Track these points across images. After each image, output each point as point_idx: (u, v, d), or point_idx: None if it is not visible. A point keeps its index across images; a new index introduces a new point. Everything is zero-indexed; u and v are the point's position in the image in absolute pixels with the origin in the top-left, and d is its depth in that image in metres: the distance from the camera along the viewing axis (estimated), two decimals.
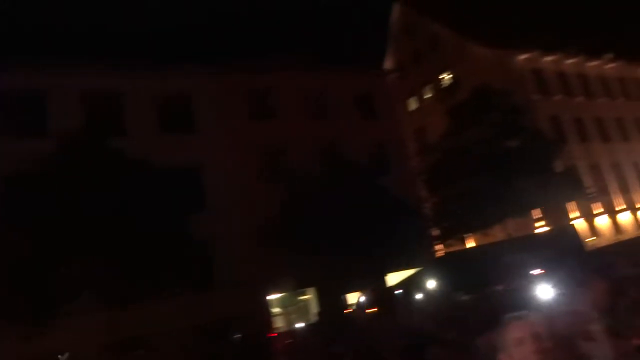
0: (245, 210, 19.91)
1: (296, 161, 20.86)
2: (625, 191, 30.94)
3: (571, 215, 26.61)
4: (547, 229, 23.12)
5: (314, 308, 20.86)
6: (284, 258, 16.50)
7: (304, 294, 21.74)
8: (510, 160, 18.91)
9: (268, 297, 20.28)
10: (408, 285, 13.26)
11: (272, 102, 23.47)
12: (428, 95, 33.74)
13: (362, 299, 14.75)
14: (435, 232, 21.85)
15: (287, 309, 21.60)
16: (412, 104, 35.08)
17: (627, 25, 33.92)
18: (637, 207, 30.97)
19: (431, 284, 11.74)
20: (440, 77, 32.52)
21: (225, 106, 21.94)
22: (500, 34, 28.95)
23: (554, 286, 4.73)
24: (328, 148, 22.49)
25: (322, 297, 20.50)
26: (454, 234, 21.86)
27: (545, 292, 4.58)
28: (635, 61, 35.18)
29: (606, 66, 33.90)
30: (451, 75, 31.76)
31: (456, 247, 22.67)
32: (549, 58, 30.75)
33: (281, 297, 21.19)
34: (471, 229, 22.26)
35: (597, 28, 32.31)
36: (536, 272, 9.58)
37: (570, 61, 31.83)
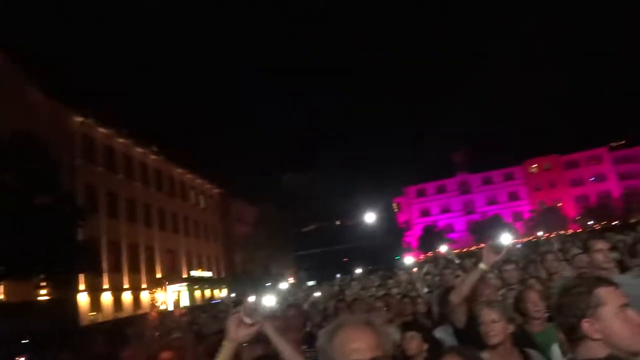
0: None
1: None
2: (135, 271, 33.35)
3: (80, 287, 26.29)
4: (48, 297, 21.79)
5: None
6: None
7: None
8: (31, 218, 17.29)
9: None
10: None
11: None
12: None
13: None
14: None
15: None
16: None
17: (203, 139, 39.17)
18: (142, 287, 33.64)
19: None
20: None
21: None
22: (63, 88, 27.93)
23: None
24: None
25: None
26: None
27: None
28: (172, 160, 40.49)
29: (150, 156, 37.54)
30: None
31: None
32: (103, 130, 31.52)
33: None
34: None
35: (150, 121, 35.80)
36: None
37: (121, 140, 33.57)
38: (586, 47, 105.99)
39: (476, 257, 15.82)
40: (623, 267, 5.13)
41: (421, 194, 75.94)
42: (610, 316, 1.68)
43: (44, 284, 20.81)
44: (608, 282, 1.77)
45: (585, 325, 1.70)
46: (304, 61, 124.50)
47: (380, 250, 53.23)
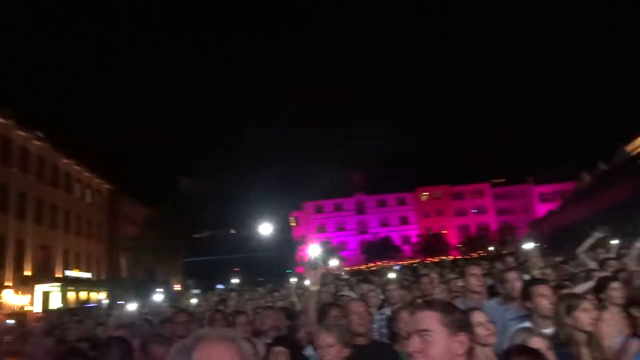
0: None
1: None
2: (17, 270, 30.65)
3: None
4: None
5: None
6: None
7: None
8: None
9: None
10: None
11: None
12: None
13: None
14: None
15: None
16: None
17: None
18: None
19: None
20: None
21: None
22: None
23: None
24: None
25: None
26: None
27: None
28: (59, 149, 37.23)
29: (33, 141, 34.27)
30: None
31: None
32: None
33: None
34: None
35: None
36: None
37: (0, 121, 30.36)
38: (488, 88, 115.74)
39: (363, 275, 16.34)
40: (494, 293, 5.44)
41: (319, 210, 77.32)
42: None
43: None
44: (416, 309, 1.95)
45: None
46: (214, 63, 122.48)
47: (273, 263, 53.02)
